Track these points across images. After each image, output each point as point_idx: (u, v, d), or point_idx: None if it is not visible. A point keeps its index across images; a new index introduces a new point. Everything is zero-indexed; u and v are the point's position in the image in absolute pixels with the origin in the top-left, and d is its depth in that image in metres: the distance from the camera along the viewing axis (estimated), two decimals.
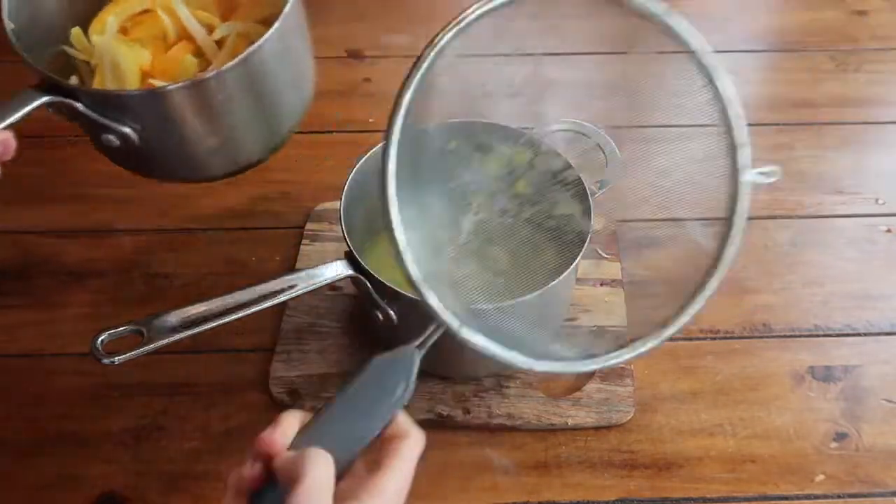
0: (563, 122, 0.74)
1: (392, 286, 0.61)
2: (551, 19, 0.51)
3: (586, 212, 0.66)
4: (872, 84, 1.05)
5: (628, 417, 0.69)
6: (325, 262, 0.62)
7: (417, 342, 0.42)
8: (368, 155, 0.66)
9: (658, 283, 0.56)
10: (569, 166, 0.70)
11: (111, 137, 0.51)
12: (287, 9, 0.55)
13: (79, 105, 0.50)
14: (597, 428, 0.69)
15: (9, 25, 0.52)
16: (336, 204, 0.66)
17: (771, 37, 1.15)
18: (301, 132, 0.67)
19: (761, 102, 1.03)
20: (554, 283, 0.61)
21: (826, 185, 0.91)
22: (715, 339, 0.76)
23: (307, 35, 0.64)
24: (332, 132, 0.95)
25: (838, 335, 0.76)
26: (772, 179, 0.49)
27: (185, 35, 0.60)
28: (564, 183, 0.71)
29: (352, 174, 0.66)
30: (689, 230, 0.52)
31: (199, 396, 0.71)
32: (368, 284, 0.62)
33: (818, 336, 0.76)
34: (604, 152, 0.72)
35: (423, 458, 0.67)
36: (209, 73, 0.53)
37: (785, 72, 1.08)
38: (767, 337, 0.76)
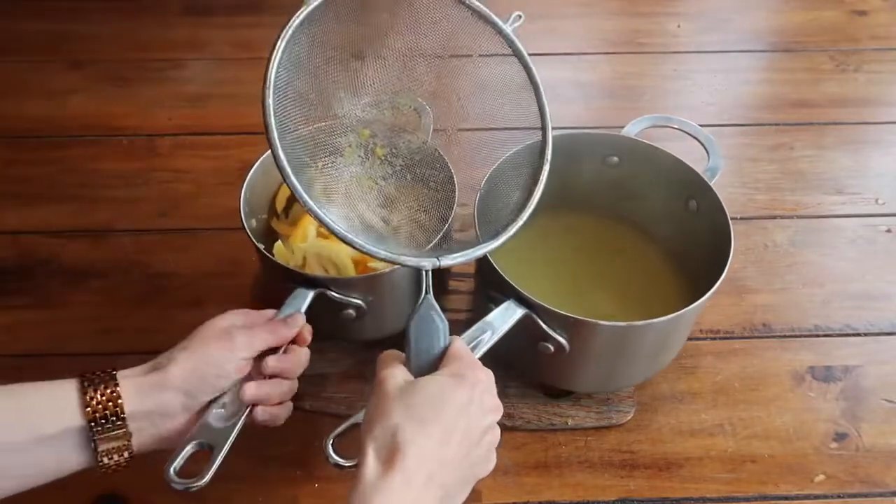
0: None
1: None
2: None
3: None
4: (872, 84, 1.06)
5: (628, 417, 0.69)
6: None
7: (424, 292, 0.53)
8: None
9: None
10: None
11: (350, 311, 0.66)
12: None
13: (332, 293, 0.64)
14: (597, 428, 0.69)
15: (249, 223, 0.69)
16: None
17: (771, 37, 1.15)
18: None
19: (761, 102, 1.03)
20: (685, 310, 0.60)
21: (826, 185, 0.91)
22: (715, 339, 0.76)
23: None
24: None
25: (838, 335, 0.76)
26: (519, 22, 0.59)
27: None
28: None
29: None
30: None
31: None
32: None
33: (818, 336, 0.76)
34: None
35: None
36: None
37: (785, 72, 1.08)
38: (767, 337, 0.76)
